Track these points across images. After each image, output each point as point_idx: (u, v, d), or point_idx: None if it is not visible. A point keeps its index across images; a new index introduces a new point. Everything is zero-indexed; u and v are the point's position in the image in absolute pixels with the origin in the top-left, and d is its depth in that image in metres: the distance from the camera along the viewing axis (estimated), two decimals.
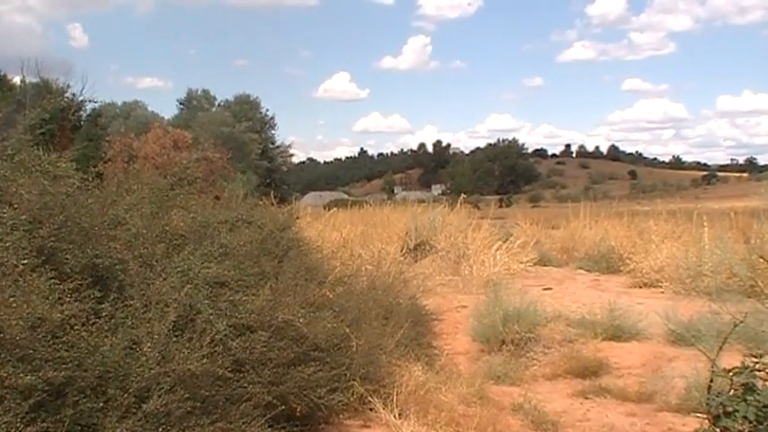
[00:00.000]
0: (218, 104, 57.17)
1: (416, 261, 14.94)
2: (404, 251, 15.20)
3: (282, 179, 54.89)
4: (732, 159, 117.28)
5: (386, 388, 4.63)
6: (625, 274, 13.26)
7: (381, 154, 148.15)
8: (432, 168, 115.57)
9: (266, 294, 4.25)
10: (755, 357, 4.91)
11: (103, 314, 3.25)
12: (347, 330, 4.72)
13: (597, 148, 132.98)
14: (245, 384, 3.35)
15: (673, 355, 7.65)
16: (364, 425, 4.39)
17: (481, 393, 5.97)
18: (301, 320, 3.91)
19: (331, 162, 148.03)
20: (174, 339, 3.17)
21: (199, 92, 57.31)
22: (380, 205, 23.97)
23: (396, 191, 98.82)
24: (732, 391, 4.52)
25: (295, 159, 73.33)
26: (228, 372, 3.28)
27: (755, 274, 9.93)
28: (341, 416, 4.46)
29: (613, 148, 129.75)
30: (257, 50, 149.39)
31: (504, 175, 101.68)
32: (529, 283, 12.65)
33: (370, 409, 4.45)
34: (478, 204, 54.84)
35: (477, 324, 8.82)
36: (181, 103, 56.88)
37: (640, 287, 12.23)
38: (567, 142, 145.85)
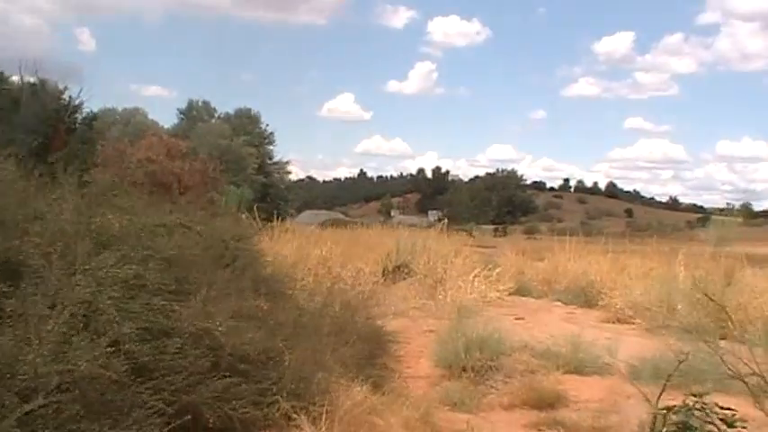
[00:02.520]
0: (218, 116, 57.22)
1: (395, 283, 14.85)
2: (383, 273, 15.10)
3: (279, 194, 54.79)
4: (728, 203, 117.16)
5: (317, 406, 4.48)
6: (601, 309, 13.14)
7: (381, 177, 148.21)
8: (430, 194, 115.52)
9: (197, 302, 4.15)
10: (695, 396, 4.84)
11: (8, 309, 3.13)
12: (281, 345, 4.60)
13: (596, 183, 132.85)
14: (143, 391, 3.21)
15: (632, 391, 7.50)
16: None
17: (426, 418, 5.83)
18: (221, 329, 3.78)
19: (330, 182, 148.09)
20: (72, 339, 3.05)
21: (200, 103, 57.39)
22: (372, 227, 23.95)
23: (393, 214, 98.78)
24: (665, 429, 4.46)
25: (294, 177, 73.35)
26: (129, 376, 3.15)
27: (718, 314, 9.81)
28: (265, 431, 4.33)
29: (611, 185, 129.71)
30: (264, 66, 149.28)
31: (502, 205, 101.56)
32: (503, 311, 12.53)
33: (296, 426, 4.31)
34: (473, 233, 54.83)
35: (439, 349, 8.70)
36: (181, 113, 56.89)
37: (613, 322, 12.12)
38: (566, 176, 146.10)
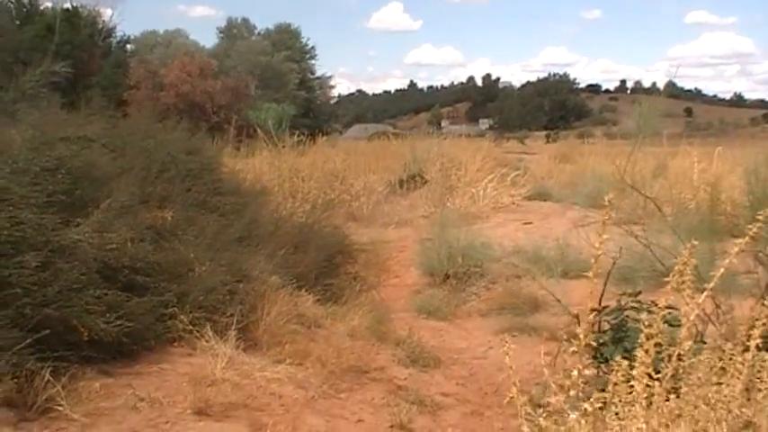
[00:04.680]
0: (258, 33, 56.57)
1: (410, 192, 14.65)
2: (397, 182, 14.90)
3: (321, 110, 54.44)
4: None
5: (226, 316, 4.38)
6: (616, 210, 12.70)
7: (431, 87, 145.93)
8: (480, 102, 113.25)
9: (95, 216, 4.03)
10: (630, 296, 4.60)
11: None
12: (192, 256, 4.47)
13: (654, 84, 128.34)
14: None
15: (616, 292, 7.27)
16: (189, 353, 4.17)
17: (375, 327, 5.72)
18: (91, 241, 3.65)
19: (380, 94, 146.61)
20: None
21: (239, 20, 56.76)
22: (414, 138, 23.47)
23: (443, 124, 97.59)
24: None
25: (345, 91, 72.67)
26: None
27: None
28: (173, 344, 4.26)
29: (671, 85, 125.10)
30: None
31: (554, 110, 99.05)
32: (512, 217, 12.25)
33: (201, 337, 4.23)
34: (524, 140, 53.79)
35: (424, 258, 8.55)
36: (221, 32, 56.45)
37: (627, 223, 11.68)
38: (623, 77, 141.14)
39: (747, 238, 2.08)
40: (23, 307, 3.32)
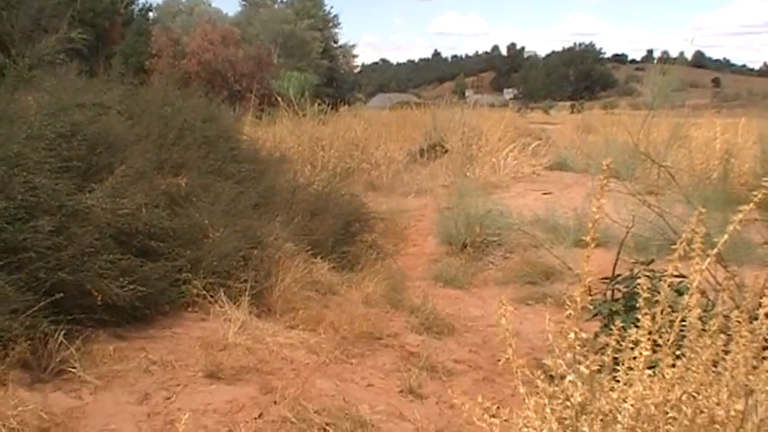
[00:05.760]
0: (281, 1, 56.25)
1: (431, 161, 14.61)
2: (418, 152, 14.87)
3: (344, 79, 54.18)
4: None
5: (239, 282, 4.42)
6: (635, 181, 12.57)
7: (455, 56, 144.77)
8: (505, 72, 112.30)
9: (107, 185, 4.07)
10: (642, 264, 4.57)
11: None
12: (206, 223, 4.50)
13: (681, 53, 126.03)
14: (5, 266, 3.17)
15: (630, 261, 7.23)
16: (203, 318, 4.22)
17: (390, 294, 5.74)
18: (104, 207, 3.69)
19: (404, 63, 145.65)
20: None
21: None
22: (438, 107, 23.29)
23: (467, 94, 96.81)
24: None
25: (369, 60, 72.23)
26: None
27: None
28: (187, 309, 4.31)
29: (699, 54, 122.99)
30: None
31: (579, 80, 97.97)
32: (533, 187, 12.18)
33: (215, 302, 4.27)
34: (549, 110, 53.20)
35: (442, 227, 8.55)
36: (243, 0, 56.22)
37: (650, 193, 11.57)
38: (650, 47, 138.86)
39: (752, 204, 2.04)
40: (37, 271, 3.37)
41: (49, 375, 3.27)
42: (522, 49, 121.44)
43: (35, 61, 4.58)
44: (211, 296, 4.30)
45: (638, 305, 4.47)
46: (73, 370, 3.30)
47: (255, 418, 3.20)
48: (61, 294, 3.30)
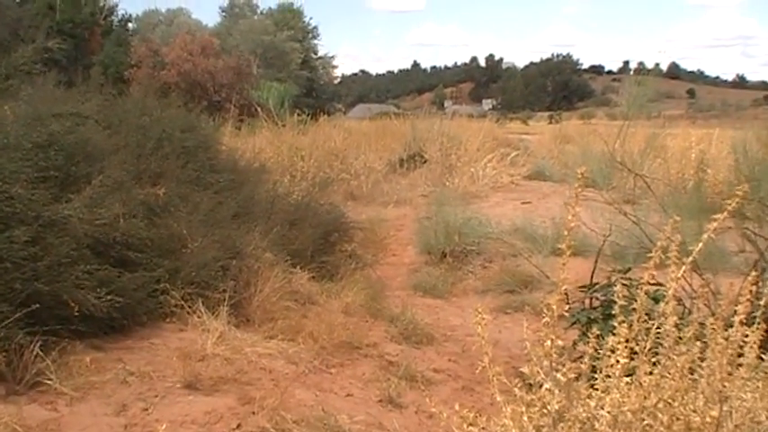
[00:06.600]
0: (261, 12, 56.14)
1: (410, 171, 14.64)
2: (397, 162, 14.90)
3: (324, 89, 54.14)
4: None
5: (218, 292, 4.40)
6: (613, 190, 12.68)
7: (434, 67, 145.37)
8: (483, 83, 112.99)
9: (84, 195, 4.04)
10: (619, 272, 4.61)
11: None
12: (184, 232, 4.48)
13: (657, 65, 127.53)
14: None
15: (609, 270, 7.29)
16: (181, 328, 4.19)
17: (370, 304, 5.74)
18: (81, 216, 3.66)
19: (384, 74, 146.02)
20: None
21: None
22: (416, 117, 23.36)
23: (446, 104, 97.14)
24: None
25: (348, 71, 72.38)
26: None
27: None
28: (165, 320, 4.28)
29: (674, 66, 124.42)
30: None
31: (557, 90, 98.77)
32: (511, 196, 12.26)
33: (193, 313, 4.25)
34: (527, 120, 53.50)
35: (421, 236, 8.57)
36: (223, 11, 56.11)
37: (626, 202, 11.68)
38: (626, 58, 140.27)
39: (726, 213, 2.07)
40: (13, 281, 3.33)
41: (24, 387, 3.23)
42: (501, 59, 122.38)
43: (11, 71, 4.54)
44: (190, 306, 4.27)
45: (615, 313, 4.51)
46: (49, 382, 3.26)
47: (234, 429, 3.18)
48: (37, 305, 3.27)
